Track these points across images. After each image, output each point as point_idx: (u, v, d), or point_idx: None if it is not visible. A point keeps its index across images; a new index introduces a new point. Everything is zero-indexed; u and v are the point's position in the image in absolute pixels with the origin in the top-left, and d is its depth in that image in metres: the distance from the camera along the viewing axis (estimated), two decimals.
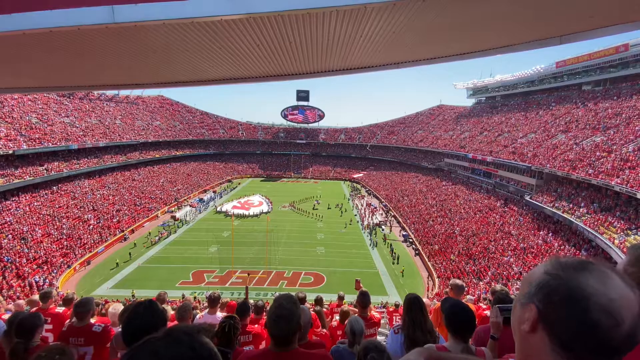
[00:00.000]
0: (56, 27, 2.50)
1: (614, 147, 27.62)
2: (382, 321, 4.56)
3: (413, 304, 2.59)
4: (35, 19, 2.47)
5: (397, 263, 29.35)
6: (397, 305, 9.10)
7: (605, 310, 0.61)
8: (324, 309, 6.53)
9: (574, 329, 0.63)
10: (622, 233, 20.11)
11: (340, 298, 7.24)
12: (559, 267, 0.70)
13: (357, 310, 4.68)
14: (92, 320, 3.21)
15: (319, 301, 6.46)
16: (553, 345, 0.66)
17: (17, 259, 23.54)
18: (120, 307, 3.77)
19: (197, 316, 4.76)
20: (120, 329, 2.94)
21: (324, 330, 4.43)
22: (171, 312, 4.42)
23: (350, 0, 2.37)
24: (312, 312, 4.03)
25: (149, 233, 34.53)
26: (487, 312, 3.82)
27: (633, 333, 0.62)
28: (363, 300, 4.16)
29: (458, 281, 4.28)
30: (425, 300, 4.67)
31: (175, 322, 4.00)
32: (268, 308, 1.97)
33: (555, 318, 0.66)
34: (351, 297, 11.29)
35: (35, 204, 31.13)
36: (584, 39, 3.76)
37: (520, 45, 4.11)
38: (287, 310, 1.64)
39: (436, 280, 26.30)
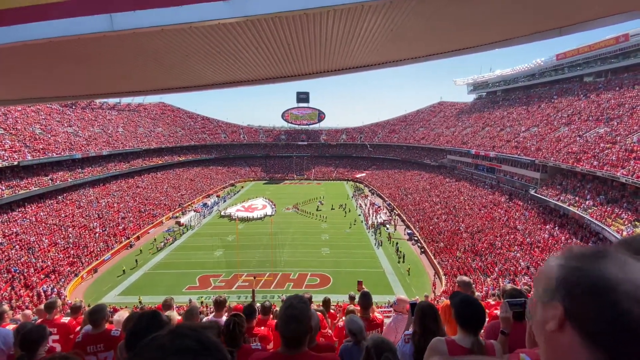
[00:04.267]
0: (56, 37, 2.52)
1: (618, 138, 27.38)
2: (385, 320, 4.52)
3: (426, 313, 2.47)
4: (35, 30, 2.49)
5: (403, 262, 29.24)
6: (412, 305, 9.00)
7: (635, 298, 0.58)
8: (332, 311, 6.51)
9: (606, 322, 0.59)
10: (629, 224, 19.91)
11: (351, 298, 7.20)
12: (576, 259, 0.66)
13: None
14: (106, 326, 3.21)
15: (326, 302, 6.44)
16: (585, 341, 0.61)
17: (25, 269, 23.72)
18: (125, 315, 3.78)
19: (204, 320, 4.77)
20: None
21: (330, 331, 4.42)
22: (177, 317, 4.42)
23: None
24: (319, 314, 4.02)
25: (155, 239, 34.67)
26: (496, 311, 3.78)
27: None
28: (364, 302, 4.13)
29: (465, 278, 4.25)
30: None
31: None
32: (277, 309, 1.96)
33: (583, 313, 0.62)
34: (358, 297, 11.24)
35: (41, 214, 31.38)
36: (583, 29, 3.74)
37: (520, 39, 4.09)
38: (298, 310, 1.63)
39: (443, 277, 26.17)
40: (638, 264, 0.63)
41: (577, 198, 25.93)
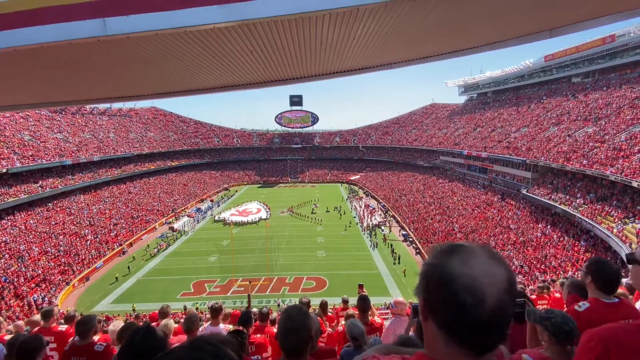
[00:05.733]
0: (47, 42, 2.47)
1: (607, 137, 27.90)
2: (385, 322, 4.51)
3: None
4: (26, 35, 2.45)
5: (399, 263, 29.32)
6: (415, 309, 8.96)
7: (469, 290, 0.64)
8: (329, 314, 6.48)
9: (449, 311, 0.66)
10: (619, 222, 20.24)
11: (345, 302, 7.17)
12: (434, 255, 0.73)
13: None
14: (95, 338, 3.16)
15: (323, 305, 6.41)
16: (440, 330, 0.68)
17: (15, 279, 23.21)
18: (120, 325, 3.71)
19: (200, 328, 4.68)
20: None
21: (330, 329, 4.39)
22: (174, 325, 4.35)
23: (342, 2, 2.37)
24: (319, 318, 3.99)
25: (148, 245, 34.24)
26: None
27: (499, 308, 0.64)
28: (362, 305, 4.10)
29: None
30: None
31: (182, 335, 3.94)
32: (277, 320, 1.93)
33: (435, 304, 0.69)
34: (355, 300, 11.21)
35: (31, 221, 30.79)
36: (572, 31, 3.80)
37: (511, 41, 4.15)
38: (298, 322, 1.60)
39: None
40: (481, 258, 0.68)
41: (567, 197, 26.32)
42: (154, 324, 5.50)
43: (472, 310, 0.63)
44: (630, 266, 1.26)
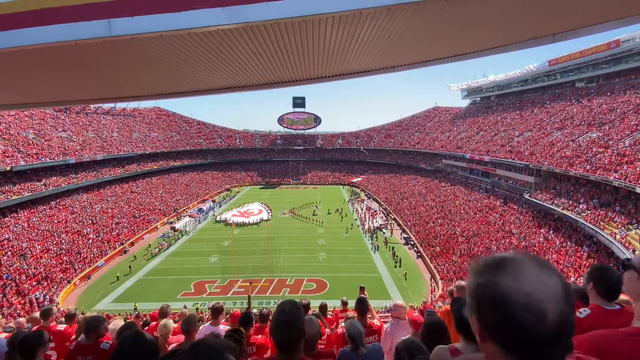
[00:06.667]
0: (53, 43, 2.50)
1: (610, 142, 27.73)
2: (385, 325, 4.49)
3: (432, 331, 2.25)
4: (31, 35, 2.47)
5: (400, 266, 29.22)
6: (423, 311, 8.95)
7: (527, 308, 0.61)
8: (329, 316, 6.46)
9: (507, 331, 0.63)
10: (622, 228, 20.10)
11: (344, 303, 7.15)
12: (479, 272, 0.70)
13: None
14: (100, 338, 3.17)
15: (323, 308, 6.39)
16: (502, 350, 0.66)
17: (17, 276, 23.32)
18: (120, 324, 3.71)
19: (200, 327, 4.68)
20: None
21: (329, 330, 4.38)
22: (174, 325, 4.35)
23: (345, 6, 2.38)
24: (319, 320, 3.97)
25: (149, 245, 34.32)
26: None
27: (561, 320, 0.61)
28: (360, 307, 4.09)
29: (463, 282, 4.24)
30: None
31: (180, 335, 3.94)
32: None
33: (491, 324, 0.66)
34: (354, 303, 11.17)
35: (34, 219, 30.94)
36: (576, 36, 3.79)
37: (515, 45, 4.15)
38: (290, 315, 1.59)
39: (439, 282, 26.17)
40: (531, 270, 0.65)
41: (570, 202, 26.17)
42: (153, 323, 5.51)
43: (535, 328, 0.60)
44: (625, 272, 1.24)
